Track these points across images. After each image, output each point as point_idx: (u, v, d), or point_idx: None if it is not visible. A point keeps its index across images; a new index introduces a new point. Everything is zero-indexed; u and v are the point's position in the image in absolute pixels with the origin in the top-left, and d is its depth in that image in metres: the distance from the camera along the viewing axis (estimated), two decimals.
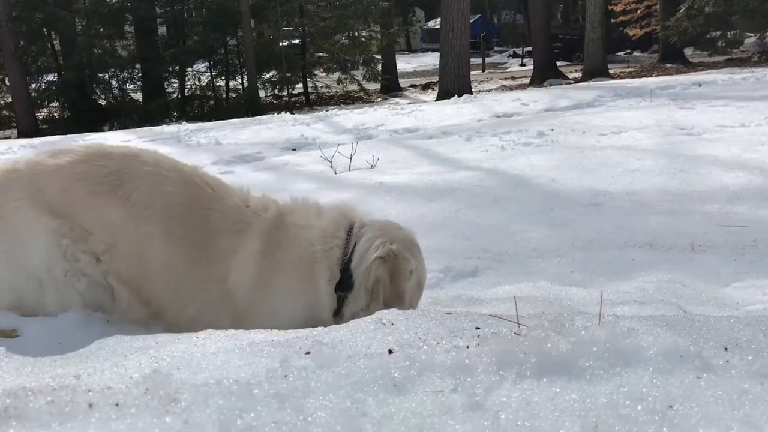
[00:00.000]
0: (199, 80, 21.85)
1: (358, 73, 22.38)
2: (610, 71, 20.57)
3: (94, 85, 20.31)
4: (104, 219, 2.31)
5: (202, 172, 2.55)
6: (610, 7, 25.46)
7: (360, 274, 2.30)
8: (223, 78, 21.51)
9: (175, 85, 21.49)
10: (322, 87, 22.44)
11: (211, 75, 21.79)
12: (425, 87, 23.12)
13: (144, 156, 2.45)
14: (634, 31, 26.99)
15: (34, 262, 2.31)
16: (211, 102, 21.43)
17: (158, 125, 14.04)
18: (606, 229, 3.84)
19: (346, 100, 21.48)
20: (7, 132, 18.10)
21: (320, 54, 22.18)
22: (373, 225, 2.45)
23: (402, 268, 2.31)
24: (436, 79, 20.13)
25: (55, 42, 20.56)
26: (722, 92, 10.14)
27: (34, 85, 19.74)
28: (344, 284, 2.31)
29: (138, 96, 21.26)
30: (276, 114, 13.59)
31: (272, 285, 2.33)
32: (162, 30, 23.06)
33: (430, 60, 30.96)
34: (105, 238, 2.31)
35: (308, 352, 1.58)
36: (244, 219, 2.39)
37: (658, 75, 18.08)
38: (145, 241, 2.31)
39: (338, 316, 2.32)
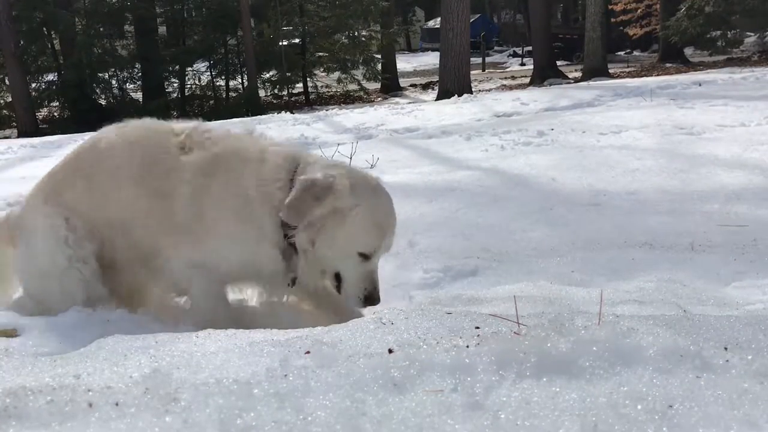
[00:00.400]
0: (199, 80, 21.85)
1: (358, 73, 22.37)
2: (610, 71, 20.57)
3: (94, 85, 20.30)
4: (83, 192, 2.48)
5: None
6: (610, 7, 25.46)
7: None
8: (223, 77, 21.51)
9: (175, 84, 21.49)
10: (322, 86, 22.43)
11: (211, 74, 21.79)
12: (425, 86, 23.11)
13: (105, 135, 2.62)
14: (634, 31, 26.99)
15: (39, 252, 2.44)
16: (211, 102, 21.43)
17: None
18: (606, 229, 3.84)
19: (346, 99, 21.47)
20: (7, 131, 18.10)
21: (320, 53, 22.17)
22: (320, 162, 2.44)
23: (330, 201, 2.23)
24: (436, 78, 20.13)
25: (55, 41, 20.55)
26: (722, 92, 10.14)
27: (34, 85, 19.74)
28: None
29: (138, 96, 21.25)
30: (276, 113, 13.58)
31: (212, 229, 2.36)
32: (162, 29, 23.05)
33: (430, 59, 30.95)
34: (89, 211, 2.46)
35: (308, 352, 1.58)
36: (177, 157, 2.42)
37: (658, 74, 18.07)
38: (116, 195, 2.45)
39: (289, 250, 2.36)
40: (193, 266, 2.37)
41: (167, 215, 2.39)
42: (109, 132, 2.63)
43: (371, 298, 2.39)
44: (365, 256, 2.35)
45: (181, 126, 2.56)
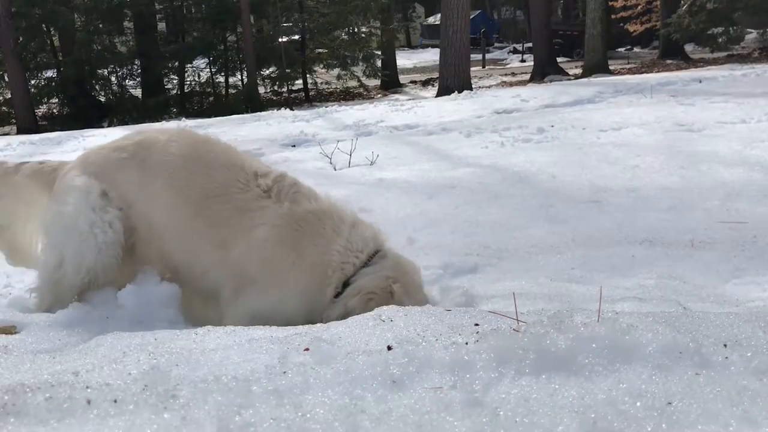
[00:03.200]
0: (199, 76, 21.81)
1: (358, 69, 22.34)
2: (611, 67, 20.54)
3: (94, 82, 20.29)
4: (123, 181, 2.53)
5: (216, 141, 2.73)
6: (610, 3, 25.41)
7: (348, 292, 2.38)
8: (222, 74, 21.48)
9: (174, 81, 21.46)
10: (321, 83, 22.40)
11: (211, 71, 21.75)
12: (425, 83, 23.08)
13: (169, 129, 2.76)
14: (634, 27, 26.95)
15: (68, 212, 2.49)
16: (211, 98, 21.41)
17: (158, 121, 14.03)
18: (606, 226, 3.84)
19: (346, 96, 21.45)
20: (7, 128, 18.10)
21: (320, 50, 22.14)
22: (392, 260, 2.53)
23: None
24: (436, 75, 20.10)
25: (54, 38, 20.51)
26: (723, 89, 10.13)
27: (33, 82, 19.70)
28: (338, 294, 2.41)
29: (137, 92, 21.22)
30: (275, 110, 13.57)
31: (285, 278, 2.40)
32: (161, 26, 23.01)
33: (430, 56, 30.90)
34: (124, 196, 2.52)
35: (307, 349, 1.58)
36: (260, 199, 2.47)
37: (658, 71, 18.05)
38: (153, 198, 2.51)
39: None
40: (254, 316, 2.35)
41: (219, 246, 2.43)
42: (183, 137, 2.66)
43: None
44: None
45: (264, 168, 2.63)
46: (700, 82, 11.57)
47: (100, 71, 20.29)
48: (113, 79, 20.68)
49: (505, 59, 32.56)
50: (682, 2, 21.58)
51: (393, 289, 2.35)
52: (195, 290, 2.52)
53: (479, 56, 27.54)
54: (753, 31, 26.06)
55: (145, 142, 2.62)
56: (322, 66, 22.27)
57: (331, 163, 6.21)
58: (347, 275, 2.42)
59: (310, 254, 2.41)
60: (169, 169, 2.52)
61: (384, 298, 2.31)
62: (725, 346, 1.46)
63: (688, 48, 24.82)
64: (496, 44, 38.34)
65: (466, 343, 1.51)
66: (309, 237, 2.43)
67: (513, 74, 24.07)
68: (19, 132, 16.13)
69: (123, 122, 17.39)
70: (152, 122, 13.81)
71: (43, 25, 19.77)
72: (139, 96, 20.95)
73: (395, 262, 2.52)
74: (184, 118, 13.81)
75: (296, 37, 21.94)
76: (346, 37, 22.39)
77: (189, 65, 21.51)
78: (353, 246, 2.45)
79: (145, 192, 2.52)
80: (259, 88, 20.40)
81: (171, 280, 2.55)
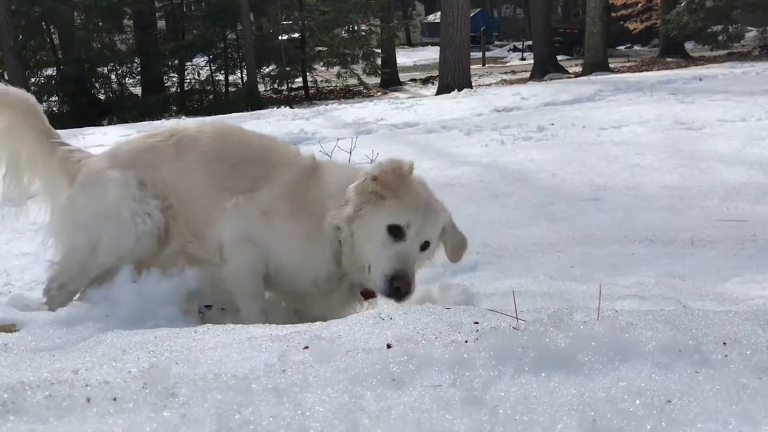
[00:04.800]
0: (199, 74, 21.79)
1: (358, 67, 22.32)
2: (611, 65, 20.53)
3: (93, 80, 20.26)
4: (156, 161, 2.62)
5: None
6: (610, 1, 25.38)
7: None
8: (222, 72, 21.47)
9: (174, 79, 21.44)
10: (321, 81, 22.38)
11: (211, 69, 21.74)
12: (425, 81, 23.07)
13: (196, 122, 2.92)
14: (634, 25, 26.92)
15: (109, 200, 2.54)
16: (211, 96, 21.38)
17: (157, 120, 14.01)
18: (606, 224, 3.84)
19: (346, 94, 21.44)
20: None
21: (320, 48, 22.12)
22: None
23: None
24: (436, 73, 20.09)
25: (54, 36, 20.49)
26: (723, 87, 10.13)
27: (33, 80, 19.67)
28: None
29: (137, 90, 21.21)
30: (275, 108, 13.57)
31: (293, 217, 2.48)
32: (161, 24, 22.98)
33: (430, 54, 30.86)
34: (158, 176, 2.60)
35: (306, 347, 1.58)
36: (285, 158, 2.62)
37: (658, 69, 18.05)
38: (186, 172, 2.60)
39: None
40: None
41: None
42: (215, 124, 2.79)
43: (398, 278, 2.18)
44: (397, 232, 2.25)
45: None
46: (700, 80, 11.57)
47: (99, 69, 20.26)
48: (113, 77, 20.65)
49: (505, 57, 32.54)
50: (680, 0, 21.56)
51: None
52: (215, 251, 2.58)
53: (479, 54, 27.52)
54: (753, 29, 26.05)
55: (177, 128, 2.75)
56: (322, 64, 22.25)
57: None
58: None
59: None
60: (201, 148, 2.61)
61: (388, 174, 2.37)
62: (725, 344, 1.46)
63: (689, 46, 24.80)
64: (496, 42, 38.30)
65: (466, 342, 1.51)
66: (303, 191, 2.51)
67: (513, 72, 24.06)
68: None
69: (123, 120, 17.35)
70: (152, 120, 13.80)
71: (43, 23, 19.76)
72: (139, 94, 20.94)
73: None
74: (183, 116, 13.80)
75: (296, 35, 21.92)
76: (346, 35, 22.37)
77: (189, 63, 21.50)
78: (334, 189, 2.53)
79: (179, 166, 2.60)
80: (259, 86, 20.39)
81: (193, 254, 2.59)
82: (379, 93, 21.32)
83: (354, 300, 2.54)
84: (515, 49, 33.56)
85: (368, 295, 2.46)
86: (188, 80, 21.53)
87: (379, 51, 23.38)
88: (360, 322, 1.75)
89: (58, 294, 2.57)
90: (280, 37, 20.87)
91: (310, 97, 20.91)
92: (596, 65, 19.46)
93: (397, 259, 2.22)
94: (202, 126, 2.74)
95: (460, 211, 4.28)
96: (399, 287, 2.19)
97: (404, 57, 31.27)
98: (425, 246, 2.36)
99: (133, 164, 2.62)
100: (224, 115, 11.90)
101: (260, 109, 14.60)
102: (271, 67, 21.29)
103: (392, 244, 2.25)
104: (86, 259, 2.56)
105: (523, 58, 29.62)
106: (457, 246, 2.52)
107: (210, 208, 2.53)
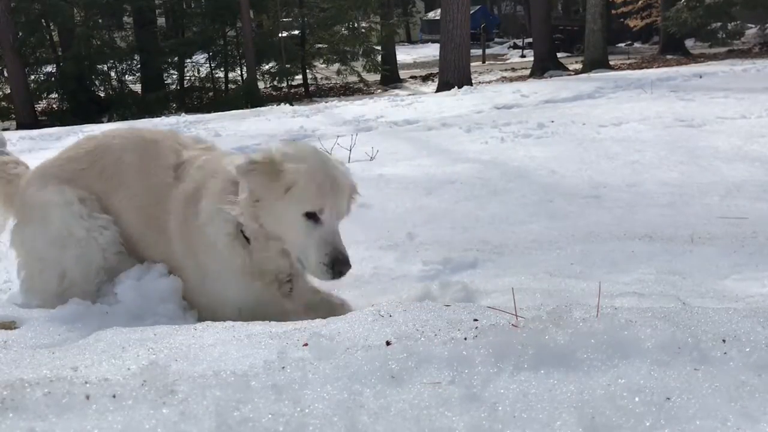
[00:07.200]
0: (198, 71, 21.76)
1: (358, 65, 22.29)
2: (611, 62, 20.50)
3: (93, 77, 20.23)
4: (91, 190, 2.59)
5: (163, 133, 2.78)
6: None
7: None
8: (222, 69, 21.43)
9: (174, 76, 21.41)
10: (321, 78, 22.36)
11: (210, 66, 21.70)
12: (425, 78, 23.04)
13: (118, 131, 2.81)
14: (634, 23, 26.88)
15: (55, 227, 2.52)
16: (210, 93, 21.36)
17: (157, 117, 14.00)
18: (605, 221, 3.83)
19: (346, 91, 21.41)
20: (6, 124, 18.03)
21: (320, 45, 22.08)
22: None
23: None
24: (436, 70, 20.06)
25: (53, 33, 20.46)
26: (723, 84, 10.11)
27: (32, 77, 19.67)
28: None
29: (137, 87, 21.18)
30: (275, 105, 13.55)
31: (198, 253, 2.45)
32: (161, 21, 22.94)
33: (430, 51, 30.83)
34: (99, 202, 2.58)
35: (306, 344, 1.58)
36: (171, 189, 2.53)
37: (658, 66, 18.01)
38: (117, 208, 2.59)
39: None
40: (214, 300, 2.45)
41: (167, 248, 2.53)
42: (132, 142, 2.71)
43: (338, 261, 2.23)
44: (313, 218, 2.26)
45: (183, 154, 2.65)
46: (701, 77, 11.54)
47: (99, 66, 20.23)
48: (113, 74, 20.62)
49: (505, 54, 32.49)
50: None
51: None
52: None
53: (479, 51, 27.48)
54: (753, 26, 26.00)
55: (98, 151, 2.67)
56: (321, 61, 22.22)
57: None
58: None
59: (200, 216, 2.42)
60: (124, 181, 2.59)
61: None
62: (724, 341, 1.46)
63: (689, 43, 24.76)
64: (496, 39, 38.25)
65: (465, 339, 1.51)
66: (194, 206, 2.43)
67: (513, 69, 24.03)
68: (19, 127, 16.08)
69: (123, 117, 17.36)
70: (152, 117, 13.79)
71: (43, 20, 19.71)
72: (139, 91, 20.91)
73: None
74: (183, 114, 13.77)
75: (296, 32, 21.89)
76: (346, 32, 22.33)
77: (188, 60, 21.46)
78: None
79: (111, 202, 2.60)
80: (259, 84, 20.35)
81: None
82: (379, 90, 21.29)
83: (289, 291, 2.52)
84: (515, 47, 33.51)
85: None
86: (188, 77, 21.51)
87: (379, 48, 23.34)
88: (359, 320, 1.75)
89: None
90: (280, 34, 20.83)
91: (310, 94, 20.88)
92: (596, 62, 19.43)
93: (326, 244, 2.26)
94: (121, 151, 2.65)
95: (460, 208, 4.29)
96: (341, 270, 2.26)
97: (404, 54, 31.23)
98: (341, 215, 2.41)
99: (69, 182, 2.58)
100: (225, 113, 11.90)
101: (260, 106, 14.59)
102: (271, 64, 21.25)
103: (314, 230, 2.27)
104: (62, 290, 2.52)
105: (523, 56, 29.58)
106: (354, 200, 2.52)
107: (148, 246, 2.56)
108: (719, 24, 22.88)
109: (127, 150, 2.63)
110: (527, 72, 21.55)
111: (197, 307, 2.46)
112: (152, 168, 2.58)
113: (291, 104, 14.10)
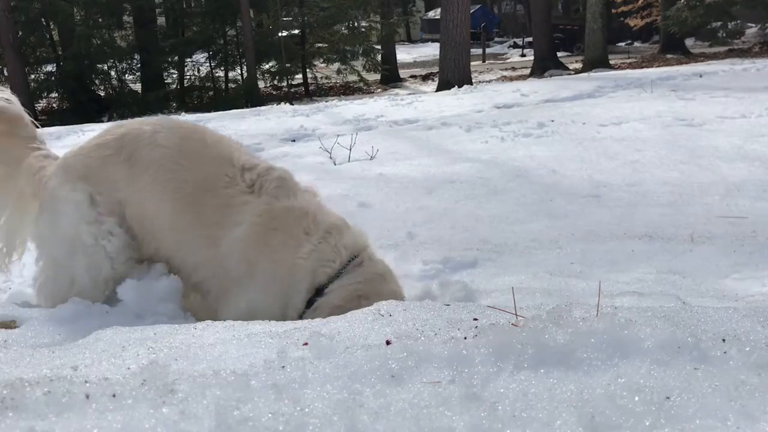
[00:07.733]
0: (198, 71, 21.78)
1: (358, 64, 22.29)
2: (611, 62, 20.49)
3: (93, 76, 20.25)
4: (111, 179, 2.47)
5: (202, 129, 2.65)
6: None
7: (318, 304, 2.29)
8: (222, 68, 21.44)
9: (174, 75, 21.42)
10: (321, 77, 22.35)
11: (210, 65, 21.71)
12: (425, 77, 23.04)
13: (153, 120, 2.65)
14: (634, 22, 26.85)
15: (64, 229, 2.46)
16: (210, 93, 21.37)
17: (157, 116, 13.99)
18: (606, 220, 3.83)
19: (346, 90, 21.41)
20: None
21: (320, 44, 22.08)
22: (367, 269, 2.37)
23: None
24: (436, 69, 20.06)
25: (53, 32, 20.46)
26: (723, 83, 10.10)
27: (32, 76, 19.66)
28: (311, 301, 2.32)
29: (137, 87, 21.18)
30: (275, 105, 13.54)
31: (258, 280, 2.33)
32: (161, 20, 22.95)
33: (430, 50, 30.81)
34: (114, 195, 2.46)
35: (306, 343, 1.58)
36: (243, 195, 2.40)
37: (658, 66, 18.01)
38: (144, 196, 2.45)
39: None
40: (239, 317, 2.22)
41: (207, 242, 2.41)
42: (169, 127, 2.56)
43: None
44: None
45: (253, 161, 2.52)
46: (701, 76, 11.54)
47: (99, 66, 20.24)
48: (113, 73, 20.64)
49: (506, 54, 32.47)
50: None
51: (360, 304, 2.15)
52: (191, 284, 2.50)
53: (479, 51, 27.48)
54: (753, 25, 25.99)
55: (129, 135, 2.51)
56: (321, 60, 22.22)
57: (330, 157, 6.20)
58: (320, 282, 2.31)
59: (280, 257, 2.32)
60: (157, 164, 2.43)
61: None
62: (724, 340, 1.46)
63: (689, 42, 24.75)
64: (496, 39, 38.22)
65: (465, 338, 1.51)
66: (281, 236, 2.32)
67: (513, 69, 24.02)
68: None
69: (122, 117, 17.33)
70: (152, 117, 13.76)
71: (43, 19, 19.73)
72: (139, 90, 20.91)
73: (370, 272, 2.36)
74: (183, 113, 13.77)
75: (296, 31, 21.88)
76: (345, 31, 22.33)
77: (188, 60, 21.48)
78: (322, 254, 2.32)
79: (135, 189, 2.45)
80: (259, 83, 20.36)
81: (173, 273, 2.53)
82: (379, 89, 21.29)
83: None
84: (515, 46, 33.49)
85: None
86: (188, 77, 21.52)
87: (379, 47, 23.35)
88: (359, 319, 1.75)
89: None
90: (279, 34, 20.83)
91: (310, 93, 20.88)
92: (596, 62, 19.42)
93: None
94: (154, 134, 2.49)
95: (460, 207, 4.29)
96: None
97: (404, 53, 31.21)
98: None
99: (85, 178, 2.47)
100: (225, 112, 11.89)
101: (260, 105, 14.58)
102: (270, 64, 21.25)
103: None
104: (72, 294, 2.47)
105: (523, 55, 29.57)
106: None
107: (176, 235, 2.43)
108: (719, 23, 22.86)
109: (161, 133, 2.47)
110: (527, 71, 21.54)
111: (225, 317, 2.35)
112: (204, 157, 2.44)
113: (291, 103, 14.11)
